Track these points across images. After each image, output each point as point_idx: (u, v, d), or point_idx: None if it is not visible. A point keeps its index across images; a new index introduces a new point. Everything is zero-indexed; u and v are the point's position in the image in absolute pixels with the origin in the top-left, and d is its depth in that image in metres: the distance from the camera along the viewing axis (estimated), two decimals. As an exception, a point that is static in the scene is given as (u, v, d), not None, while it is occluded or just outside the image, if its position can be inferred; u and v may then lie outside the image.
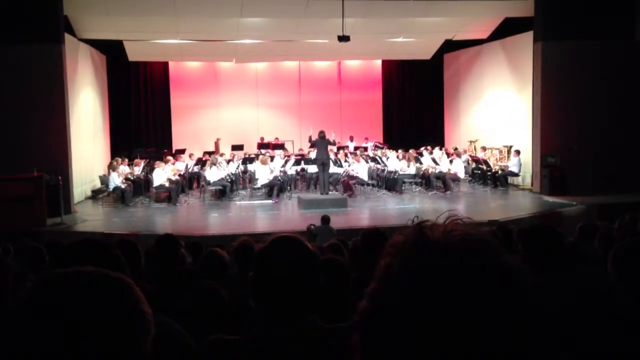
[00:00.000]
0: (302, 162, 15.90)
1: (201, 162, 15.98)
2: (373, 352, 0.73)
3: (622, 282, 2.30)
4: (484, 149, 17.69)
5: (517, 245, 4.33)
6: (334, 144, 15.63)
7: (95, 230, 11.09)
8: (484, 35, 17.79)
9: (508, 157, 16.65)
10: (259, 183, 15.06)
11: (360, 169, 15.43)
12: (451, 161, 16.13)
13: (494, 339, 0.68)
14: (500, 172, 16.18)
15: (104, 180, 15.65)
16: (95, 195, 15.82)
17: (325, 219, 9.66)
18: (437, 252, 0.73)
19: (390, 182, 15.61)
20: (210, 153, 17.41)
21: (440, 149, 18.12)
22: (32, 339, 0.85)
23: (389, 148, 18.48)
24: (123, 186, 14.42)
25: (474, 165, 17.07)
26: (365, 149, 18.21)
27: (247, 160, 16.19)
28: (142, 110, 20.60)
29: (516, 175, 16.00)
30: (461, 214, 0.80)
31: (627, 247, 2.36)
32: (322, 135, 14.40)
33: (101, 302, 0.89)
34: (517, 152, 15.90)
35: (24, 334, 0.85)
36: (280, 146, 18.34)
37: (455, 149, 17.60)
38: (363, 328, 0.75)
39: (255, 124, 20.84)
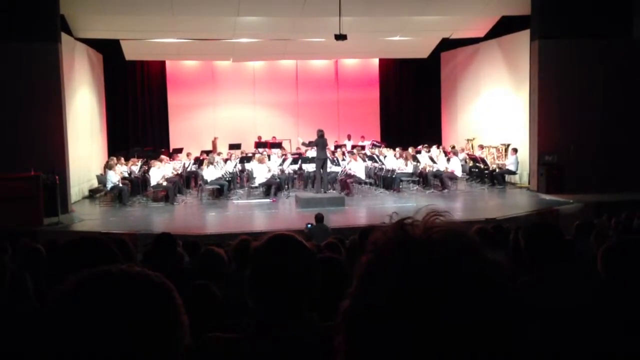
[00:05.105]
0: (300, 160, 15.90)
1: (198, 161, 15.96)
2: (359, 352, 0.72)
3: (611, 280, 2.31)
4: (481, 147, 17.70)
5: (513, 244, 4.33)
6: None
7: (93, 229, 11.07)
8: (481, 33, 17.80)
9: (505, 155, 16.66)
10: (257, 182, 15.03)
11: (358, 168, 15.41)
12: (448, 159, 16.13)
13: (479, 335, 0.68)
14: (497, 170, 16.20)
15: (102, 179, 15.62)
16: (92, 194, 15.78)
17: (319, 218, 9.52)
18: (420, 251, 0.72)
19: (387, 181, 15.61)
20: (207, 152, 17.37)
21: (438, 148, 18.12)
22: (68, 339, 0.84)
23: (387, 146, 18.49)
24: (120, 185, 14.38)
25: (471, 163, 17.08)
26: (363, 147, 18.20)
27: (245, 159, 16.17)
28: (139, 109, 20.56)
29: (513, 173, 16.01)
30: (440, 209, 0.80)
31: (615, 245, 2.37)
32: (320, 134, 14.39)
33: (142, 308, 0.87)
34: (515, 151, 15.92)
35: (60, 333, 0.84)
36: (278, 145, 18.32)
37: (453, 147, 17.60)
38: (348, 329, 0.74)
39: (252, 122, 20.83)
